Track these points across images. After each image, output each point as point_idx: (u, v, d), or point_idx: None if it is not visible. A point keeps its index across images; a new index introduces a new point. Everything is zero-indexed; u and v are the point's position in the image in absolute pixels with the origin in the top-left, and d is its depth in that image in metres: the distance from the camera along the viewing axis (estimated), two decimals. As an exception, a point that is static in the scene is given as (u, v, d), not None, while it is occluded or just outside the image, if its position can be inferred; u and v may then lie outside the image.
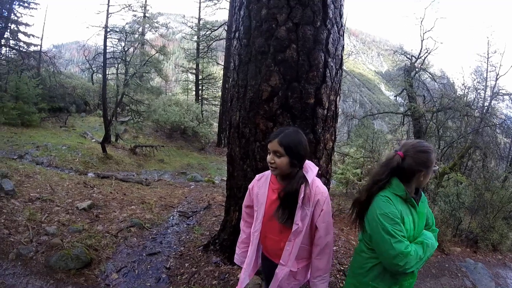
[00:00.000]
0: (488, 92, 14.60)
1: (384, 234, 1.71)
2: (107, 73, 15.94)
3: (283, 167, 1.86)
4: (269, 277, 2.11)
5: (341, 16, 3.12)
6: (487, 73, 14.96)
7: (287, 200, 1.88)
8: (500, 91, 13.88)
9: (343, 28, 3.20)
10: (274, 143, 1.85)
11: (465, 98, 12.84)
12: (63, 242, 3.69)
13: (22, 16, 19.16)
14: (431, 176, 1.88)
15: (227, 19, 21.14)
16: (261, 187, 2.02)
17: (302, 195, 1.85)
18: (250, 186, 2.14)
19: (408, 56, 16.18)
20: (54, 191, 5.47)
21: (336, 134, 3.30)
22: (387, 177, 1.84)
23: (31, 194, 5.03)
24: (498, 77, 14.27)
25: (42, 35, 21.02)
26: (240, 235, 2.30)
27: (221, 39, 23.56)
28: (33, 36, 19.62)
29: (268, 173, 2.04)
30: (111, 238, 4.08)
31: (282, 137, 1.84)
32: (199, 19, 25.43)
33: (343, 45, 3.22)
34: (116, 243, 4.03)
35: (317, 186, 1.92)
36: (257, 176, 2.10)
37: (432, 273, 4.66)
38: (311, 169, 1.94)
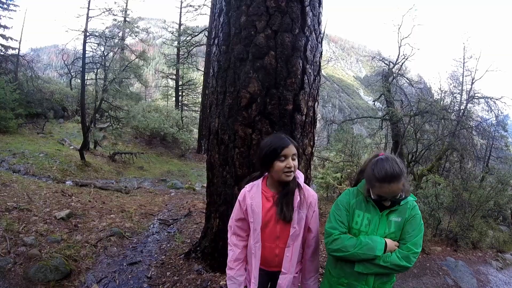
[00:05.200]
0: (464, 96, 14.94)
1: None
2: (86, 78, 15.58)
3: (296, 169, 1.92)
4: (261, 286, 2.11)
5: (319, 23, 3.18)
6: (463, 77, 15.35)
7: (286, 199, 1.91)
8: (476, 94, 14.23)
9: (321, 35, 3.25)
10: (292, 147, 1.87)
11: (441, 102, 13.18)
12: (42, 253, 3.60)
13: (0, 18, 18.72)
14: (379, 196, 1.80)
15: (207, 24, 21.11)
16: (254, 197, 1.97)
17: (298, 199, 1.90)
18: (240, 197, 2.03)
19: (386, 62, 16.53)
20: (32, 200, 5.34)
21: (315, 139, 3.34)
22: (360, 174, 1.97)
23: (8, 204, 4.90)
24: (473, 81, 14.64)
25: (21, 38, 20.37)
26: (233, 251, 2.10)
27: (202, 44, 23.48)
28: (11, 39, 19.15)
29: (258, 182, 2.02)
30: (90, 248, 4.00)
31: (291, 140, 1.90)
32: (180, 25, 25.29)
33: (321, 51, 3.28)
34: (96, 253, 3.95)
35: (308, 189, 2.00)
36: (247, 186, 2.05)
37: (413, 273, 4.74)
38: (299, 174, 1.99)
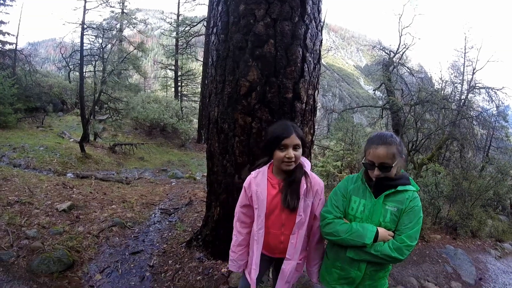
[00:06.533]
0: (465, 86, 14.89)
1: None
2: (84, 70, 15.54)
3: (299, 159, 1.91)
4: (264, 271, 2.16)
5: (319, 11, 3.15)
6: (464, 67, 15.29)
7: (292, 188, 1.91)
8: (477, 84, 14.19)
9: (321, 23, 3.23)
10: (293, 137, 1.85)
11: (442, 92, 13.14)
12: (44, 245, 3.61)
13: (-3, 14, 18.59)
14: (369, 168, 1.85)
15: (206, 15, 20.89)
16: (260, 184, 1.97)
17: (304, 187, 1.90)
18: (245, 184, 2.05)
19: (386, 51, 16.46)
20: (33, 194, 5.34)
21: (315, 128, 3.34)
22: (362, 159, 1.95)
23: (10, 198, 4.90)
24: (474, 71, 14.59)
25: (18, 33, 20.18)
26: (236, 237, 2.16)
27: (200, 35, 23.27)
28: (8, 34, 19.04)
29: (263, 169, 2.02)
30: (92, 239, 4.02)
31: (295, 129, 1.88)
32: (178, 15, 25.06)
33: (321, 40, 3.25)
34: (98, 243, 3.97)
35: (314, 177, 1.99)
36: (253, 173, 2.05)
37: (413, 260, 4.77)
38: (306, 162, 2.00)
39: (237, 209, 2.15)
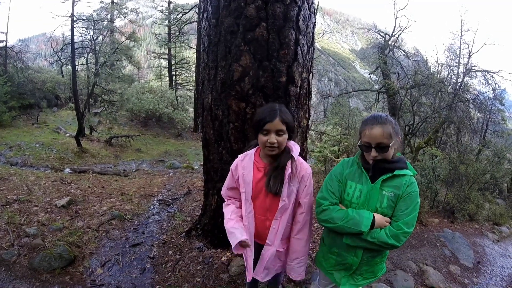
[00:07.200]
0: (461, 69, 14.85)
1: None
2: (76, 64, 15.33)
3: (283, 145, 1.85)
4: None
5: (312, -7, 3.07)
6: (460, 50, 15.23)
7: (276, 172, 1.87)
8: (473, 68, 14.16)
9: (314, 4, 3.15)
10: (277, 122, 1.79)
11: (438, 75, 13.06)
12: (45, 242, 3.62)
13: (-15, 12, 18.38)
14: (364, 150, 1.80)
15: (198, 1, 20.57)
16: (246, 167, 1.95)
17: (289, 171, 1.86)
18: (232, 166, 2.03)
19: (382, 34, 16.35)
20: (31, 191, 5.33)
21: (310, 112, 3.29)
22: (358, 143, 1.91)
23: (8, 197, 4.89)
24: (471, 54, 14.55)
25: (7, 30, 19.91)
26: (228, 208, 2.08)
27: (193, 22, 22.88)
28: (-2, 32, 18.81)
29: (251, 152, 1.99)
30: (92, 233, 4.03)
31: (281, 114, 1.81)
32: (169, 3, 24.62)
33: (314, 22, 3.18)
34: (98, 237, 3.98)
35: (301, 162, 1.95)
36: (240, 156, 2.02)
37: (412, 244, 4.79)
38: (294, 146, 1.93)
39: (224, 191, 2.13)
